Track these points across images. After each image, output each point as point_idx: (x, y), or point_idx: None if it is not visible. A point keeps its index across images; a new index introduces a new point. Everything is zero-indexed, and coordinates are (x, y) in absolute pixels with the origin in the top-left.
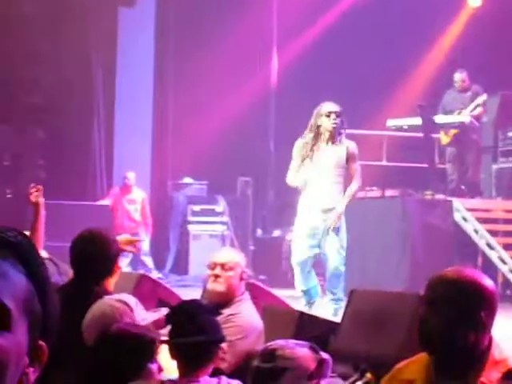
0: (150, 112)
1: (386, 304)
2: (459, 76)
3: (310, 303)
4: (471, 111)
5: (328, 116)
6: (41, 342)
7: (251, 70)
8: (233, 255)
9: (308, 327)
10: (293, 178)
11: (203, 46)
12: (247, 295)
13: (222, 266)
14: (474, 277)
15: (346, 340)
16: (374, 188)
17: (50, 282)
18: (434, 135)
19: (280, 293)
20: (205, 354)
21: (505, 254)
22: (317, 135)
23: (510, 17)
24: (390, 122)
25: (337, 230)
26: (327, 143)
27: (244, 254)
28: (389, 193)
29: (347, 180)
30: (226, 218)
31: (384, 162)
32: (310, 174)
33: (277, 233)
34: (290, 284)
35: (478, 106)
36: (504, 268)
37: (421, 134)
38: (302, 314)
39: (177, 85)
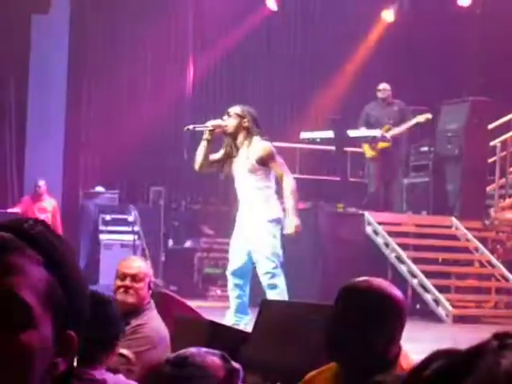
0: (63, 119)
1: (296, 314)
2: (384, 86)
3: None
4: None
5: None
6: (69, 332)
7: (165, 79)
8: (142, 265)
9: (219, 337)
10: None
11: (118, 55)
12: (153, 305)
13: (133, 276)
14: (383, 287)
15: (257, 350)
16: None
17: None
18: (348, 148)
19: (191, 304)
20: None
21: (414, 268)
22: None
23: (422, 31)
24: (304, 135)
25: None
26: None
27: (155, 264)
28: (301, 205)
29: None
30: (137, 228)
31: (297, 175)
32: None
33: (188, 243)
34: (200, 295)
35: (418, 123)
36: (414, 282)
37: (333, 148)
38: (213, 323)
39: (90, 93)
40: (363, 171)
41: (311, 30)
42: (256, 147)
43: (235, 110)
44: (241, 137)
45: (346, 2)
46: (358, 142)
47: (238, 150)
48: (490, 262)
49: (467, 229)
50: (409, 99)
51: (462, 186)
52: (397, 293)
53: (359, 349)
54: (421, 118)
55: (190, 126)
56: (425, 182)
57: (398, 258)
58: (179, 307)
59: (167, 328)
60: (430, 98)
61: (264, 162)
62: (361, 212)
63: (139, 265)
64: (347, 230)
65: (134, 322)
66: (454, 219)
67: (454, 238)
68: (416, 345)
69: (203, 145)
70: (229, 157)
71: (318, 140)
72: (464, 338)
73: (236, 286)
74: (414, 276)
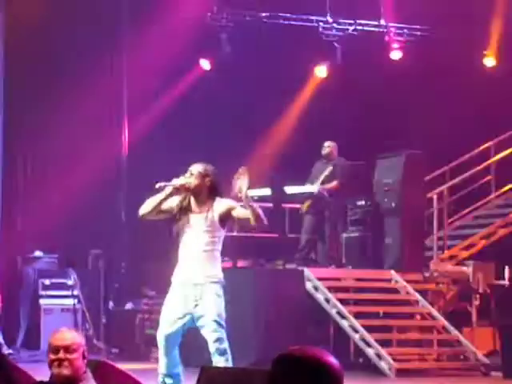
0: None
1: (235, 381)
2: (328, 144)
3: None
4: (321, 182)
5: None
6: None
7: (101, 140)
8: (74, 336)
9: None
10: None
11: (52, 115)
12: (89, 374)
13: (66, 348)
14: (318, 355)
15: None
16: (226, 258)
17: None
18: (285, 205)
19: (133, 366)
20: None
21: (356, 323)
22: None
23: (352, 87)
24: None
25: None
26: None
27: (96, 327)
28: (240, 263)
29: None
30: (77, 292)
31: (235, 233)
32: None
33: (129, 305)
34: (143, 357)
35: (325, 176)
36: (355, 336)
37: (271, 205)
38: None
39: (26, 157)
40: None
41: (245, 88)
42: (219, 205)
43: (198, 168)
44: (203, 195)
45: (279, 60)
46: (295, 198)
47: (199, 206)
48: (430, 315)
49: (407, 281)
50: (345, 153)
51: (401, 238)
52: (333, 361)
53: None
54: (327, 171)
55: (162, 184)
56: (363, 235)
57: (339, 314)
58: (118, 376)
59: None
60: (365, 152)
61: (227, 214)
62: (300, 268)
63: (71, 336)
64: (287, 286)
65: None
66: (393, 272)
67: (395, 291)
68: None
69: (161, 197)
70: (186, 210)
71: (256, 198)
72: None
73: (169, 350)
74: (355, 331)
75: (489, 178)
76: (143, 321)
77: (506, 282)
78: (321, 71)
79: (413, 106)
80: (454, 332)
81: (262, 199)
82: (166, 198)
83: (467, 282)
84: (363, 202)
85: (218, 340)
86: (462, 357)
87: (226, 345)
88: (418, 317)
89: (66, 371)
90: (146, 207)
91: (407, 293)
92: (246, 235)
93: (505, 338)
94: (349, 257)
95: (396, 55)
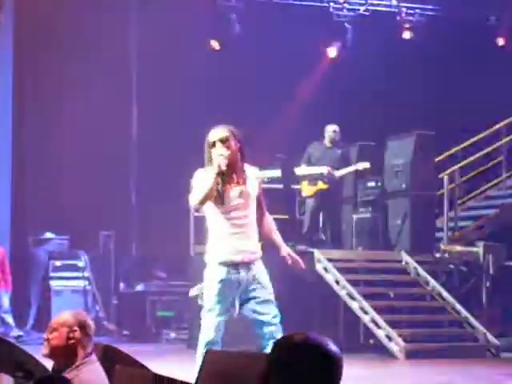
0: (9, 167)
1: (238, 365)
2: (333, 128)
3: None
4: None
5: (213, 146)
6: None
7: (111, 122)
8: (65, 317)
9: None
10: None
11: (63, 96)
12: (92, 358)
13: (50, 328)
14: (319, 341)
15: None
16: None
17: None
18: (295, 186)
19: (144, 348)
20: None
21: (366, 304)
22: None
23: (364, 67)
24: None
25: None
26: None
27: (107, 309)
28: None
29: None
30: (87, 273)
31: None
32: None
33: (140, 287)
34: (154, 339)
35: (357, 170)
36: (366, 318)
37: (281, 186)
38: (156, 376)
39: (36, 137)
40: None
41: (257, 67)
42: (253, 173)
43: (227, 133)
44: (238, 162)
45: (291, 40)
46: (303, 180)
47: (233, 177)
48: (441, 296)
49: (417, 262)
50: (355, 134)
51: (411, 219)
52: (333, 348)
53: None
54: (360, 166)
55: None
56: (373, 217)
57: (349, 295)
58: (124, 360)
59: (112, 382)
60: (376, 133)
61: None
62: (310, 250)
63: (62, 317)
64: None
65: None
66: (403, 253)
67: (405, 272)
68: (368, 381)
69: (210, 185)
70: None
71: (266, 179)
72: (417, 372)
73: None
74: (365, 312)
75: (500, 158)
76: (154, 303)
77: None
78: (332, 52)
79: (424, 86)
80: (465, 313)
81: (272, 180)
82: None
83: (478, 263)
84: (373, 184)
85: (277, 316)
86: (472, 338)
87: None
88: (429, 298)
89: (44, 351)
90: (197, 197)
91: (417, 274)
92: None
93: None
94: (359, 238)
95: (407, 35)
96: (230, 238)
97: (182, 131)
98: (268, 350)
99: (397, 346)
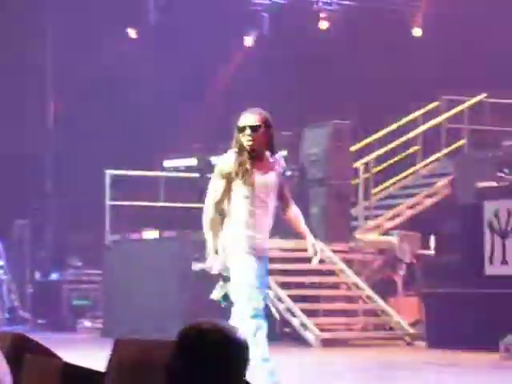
0: None
1: (147, 353)
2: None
3: None
4: None
5: (242, 131)
6: None
7: (26, 112)
8: None
9: (73, 378)
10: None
11: None
12: None
13: None
14: (226, 329)
15: None
16: (152, 229)
17: None
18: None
19: (59, 337)
20: None
21: (281, 293)
22: (241, 153)
23: (280, 56)
24: (167, 163)
25: None
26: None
27: (23, 297)
28: (166, 234)
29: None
30: (2, 262)
31: (161, 203)
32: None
33: (55, 276)
34: (69, 327)
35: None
36: (281, 306)
37: (197, 175)
38: (66, 364)
39: None
40: None
41: (174, 57)
42: (278, 162)
43: (259, 120)
44: (264, 151)
45: (208, 28)
46: None
47: (258, 165)
48: (356, 285)
49: (333, 251)
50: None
51: (327, 208)
52: (239, 335)
53: None
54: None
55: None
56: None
57: None
58: (34, 349)
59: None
60: (292, 123)
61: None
62: None
63: None
64: None
65: None
66: (319, 242)
67: (320, 261)
68: (282, 371)
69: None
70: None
71: (182, 168)
72: (332, 361)
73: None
74: (281, 301)
75: (416, 148)
76: (70, 291)
77: (432, 252)
78: (248, 41)
79: (341, 76)
80: (380, 302)
81: (188, 169)
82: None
83: (393, 251)
84: (289, 173)
85: None
86: (386, 326)
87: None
88: (344, 287)
89: None
90: (208, 206)
91: (333, 263)
92: (171, 205)
93: (429, 308)
94: (275, 227)
95: (324, 25)
96: (251, 228)
97: (100, 118)
98: None
99: (312, 334)
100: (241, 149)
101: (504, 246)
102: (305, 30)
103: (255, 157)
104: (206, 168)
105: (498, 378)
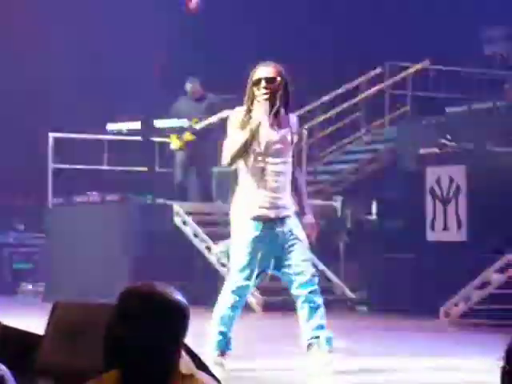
0: None
1: (86, 315)
2: (190, 86)
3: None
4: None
5: (257, 84)
6: None
7: None
8: None
9: (11, 341)
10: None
11: None
12: None
13: None
14: (164, 291)
15: (49, 354)
16: (95, 192)
17: None
18: (155, 139)
19: (0, 300)
20: None
21: (225, 259)
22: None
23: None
24: (110, 126)
25: None
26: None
27: None
28: (110, 197)
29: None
30: None
31: (105, 166)
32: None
33: None
34: (11, 291)
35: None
36: (224, 271)
37: (140, 138)
38: (3, 327)
39: None
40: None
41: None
42: (294, 121)
43: (275, 72)
44: (281, 105)
45: None
46: (165, 132)
47: (275, 120)
48: None
49: None
50: (220, 87)
51: None
52: (179, 298)
53: (142, 354)
54: (224, 114)
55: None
56: (234, 170)
57: (208, 248)
58: None
59: None
60: (239, 86)
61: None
62: (169, 203)
63: None
64: (156, 221)
65: None
66: None
67: None
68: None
69: (248, 137)
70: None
71: (125, 131)
72: (273, 324)
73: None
74: (223, 265)
75: (358, 114)
76: (11, 254)
77: (374, 217)
78: (192, 3)
79: (296, 39)
80: (322, 267)
81: (131, 132)
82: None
83: (336, 216)
84: None
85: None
86: (329, 291)
87: None
88: None
89: None
90: (228, 155)
91: None
92: (115, 168)
93: (371, 273)
94: (219, 191)
95: None
96: (265, 189)
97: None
98: (304, 311)
99: (254, 298)
100: (253, 104)
101: (445, 212)
102: None
103: (270, 110)
104: (149, 131)
105: (434, 343)
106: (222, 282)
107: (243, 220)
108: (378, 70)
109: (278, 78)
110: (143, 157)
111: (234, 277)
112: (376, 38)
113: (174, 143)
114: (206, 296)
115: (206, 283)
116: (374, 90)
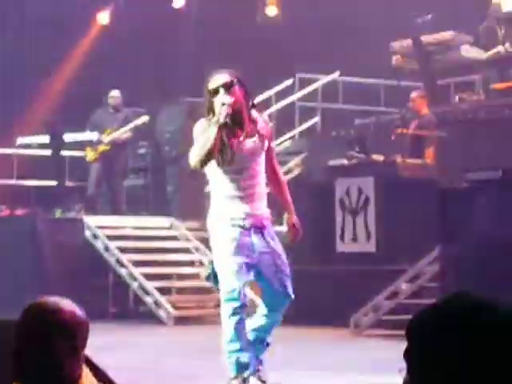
0: None
1: None
2: (115, 93)
3: None
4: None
5: (215, 94)
6: None
7: None
8: None
9: None
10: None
11: None
12: None
13: None
14: (64, 306)
15: None
16: (3, 207)
17: None
18: (66, 153)
19: None
20: None
21: (134, 271)
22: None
23: (138, 33)
24: (20, 140)
25: None
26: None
27: None
28: (18, 212)
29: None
30: None
31: (14, 181)
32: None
33: None
34: None
35: (136, 126)
36: (134, 285)
37: (49, 152)
38: None
39: None
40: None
41: (27, 34)
42: (264, 120)
43: (232, 77)
44: (244, 111)
45: (62, 5)
46: (77, 145)
47: (241, 128)
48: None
49: (187, 229)
50: (126, 101)
51: (181, 186)
52: (80, 312)
53: (39, 368)
54: (138, 121)
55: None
56: (144, 184)
57: (119, 262)
58: None
59: None
60: (148, 100)
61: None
62: (79, 217)
63: None
64: (66, 235)
65: None
66: (173, 220)
67: (175, 238)
68: (133, 350)
69: (212, 141)
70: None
71: (35, 145)
72: (183, 339)
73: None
74: (134, 279)
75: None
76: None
77: (285, 229)
78: (103, 18)
79: (188, 54)
80: None
81: (41, 146)
82: (216, 139)
83: None
84: (143, 151)
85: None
86: None
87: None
88: (198, 264)
89: None
90: (197, 157)
91: (187, 240)
92: (24, 183)
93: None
94: (130, 205)
95: (177, 3)
96: (239, 201)
97: None
98: (277, 322)
99: (165, 312)
100: (214, 114)
101: (354, 223)
102: (159, 8)
103: (234, 121)
104: (59, 145)
105: (341, 352)
106: (134, 295)
107: (221, 227)
108: (289, 82)
109: (235, 81)
110: (53, 171)
111: (227, 279)
112: (290, 47)
113: (89, 155)
114: (118, 309)
115: (117, 296)
116: (283, 102)
